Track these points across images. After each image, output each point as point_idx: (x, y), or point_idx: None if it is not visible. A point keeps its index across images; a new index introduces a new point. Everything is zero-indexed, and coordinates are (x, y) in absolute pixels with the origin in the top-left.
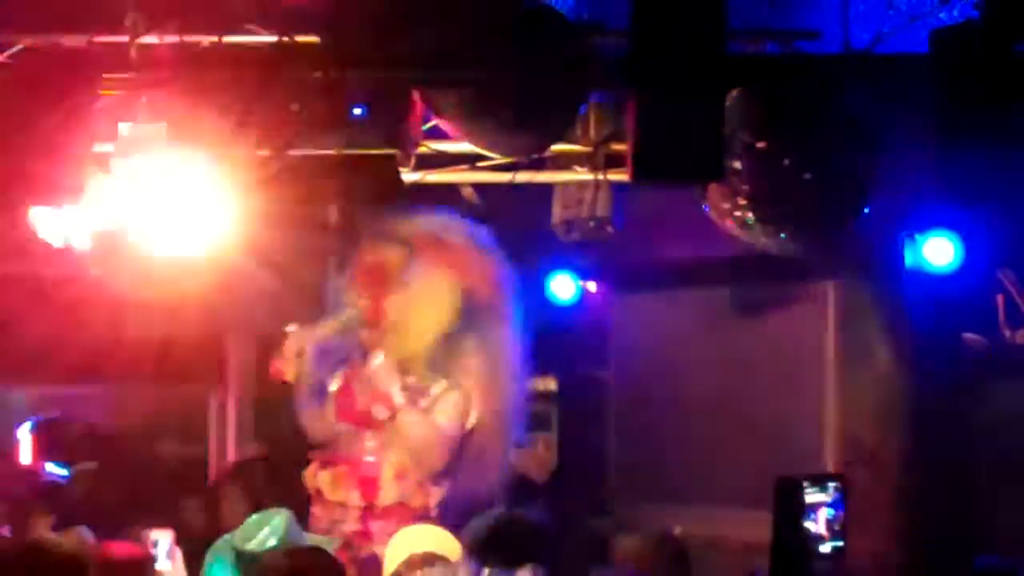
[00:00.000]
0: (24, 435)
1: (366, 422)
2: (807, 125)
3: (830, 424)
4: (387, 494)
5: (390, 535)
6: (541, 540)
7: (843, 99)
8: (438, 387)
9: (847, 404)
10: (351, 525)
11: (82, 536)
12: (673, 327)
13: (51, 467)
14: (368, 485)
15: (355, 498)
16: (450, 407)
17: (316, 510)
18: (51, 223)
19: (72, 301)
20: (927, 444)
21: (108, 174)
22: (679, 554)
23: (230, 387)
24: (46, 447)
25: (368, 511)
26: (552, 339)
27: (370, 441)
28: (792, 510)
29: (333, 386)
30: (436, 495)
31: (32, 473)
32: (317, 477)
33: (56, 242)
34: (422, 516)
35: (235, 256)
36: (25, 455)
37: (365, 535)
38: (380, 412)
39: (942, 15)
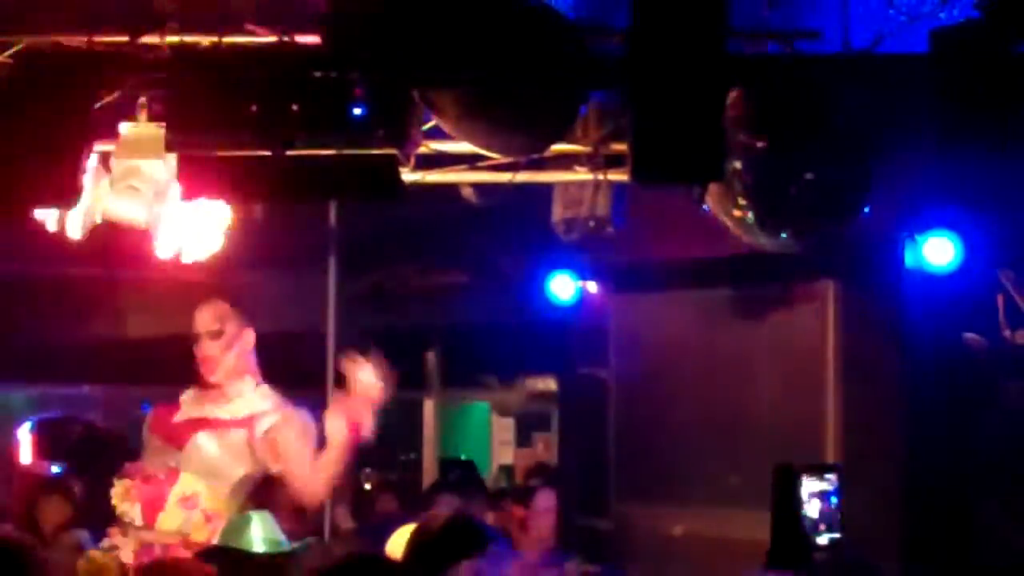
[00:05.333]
0: (24, 435)
1: (177, 440)
2: (807, 125)
3: (830, 424)
4: (170, 519)
5: None
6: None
7: (843, 99)
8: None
9: (847, 404)
10: (126, 555)
11: (79, 539)
12: (673, 327)
13: (51, 467)
14: (151, 505)
15: (136, 514)
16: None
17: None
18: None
19: (72, 301)
20: (927, 445)
21: (108, 174)
22: None
23: None
24: (46, 447)
25: (148, 548)
26: (552, 339)
27: (171, 460)
28: (790, 497)
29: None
30: None
31: (32, 473)
32: (116, 490)
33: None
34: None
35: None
36: (25, 455)
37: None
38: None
39: (942, 15)
